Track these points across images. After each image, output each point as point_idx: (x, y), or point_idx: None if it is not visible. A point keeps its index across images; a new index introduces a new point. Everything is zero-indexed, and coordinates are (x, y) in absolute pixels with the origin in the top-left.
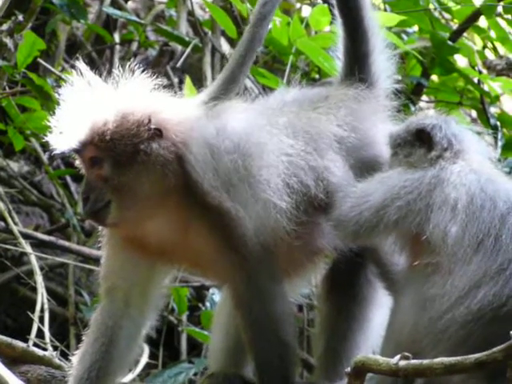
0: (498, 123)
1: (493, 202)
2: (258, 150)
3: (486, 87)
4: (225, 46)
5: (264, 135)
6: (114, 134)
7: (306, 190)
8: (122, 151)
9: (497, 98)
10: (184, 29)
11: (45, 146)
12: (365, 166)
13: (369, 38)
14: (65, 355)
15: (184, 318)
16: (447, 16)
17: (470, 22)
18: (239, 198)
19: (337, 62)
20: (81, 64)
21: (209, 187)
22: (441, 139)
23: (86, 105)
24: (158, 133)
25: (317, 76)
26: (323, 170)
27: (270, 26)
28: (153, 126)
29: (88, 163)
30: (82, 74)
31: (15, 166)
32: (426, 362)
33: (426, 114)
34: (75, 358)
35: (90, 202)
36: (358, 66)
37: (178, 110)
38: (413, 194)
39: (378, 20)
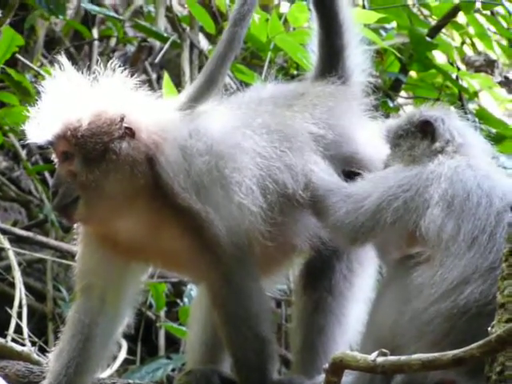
0: (477, 120)
1: (489, 199)
2: (231, 152)
3: (464, 83)
4: (203, 42)
5: (238, 137)
6: (85, 131)
7: (282, 189)
8: (92, 148)
9: (475, 94)
10: (162, 25)
11: (23, 142)
12: (342, 163)
13: (343, 32)
14: (43, 351)
15: (162, 313)
16: (426, 12)
17: (448, 18)
18: (210, 199)
19: (312, 56)
20: (61, 58)
21: (179, 189)
22: (444, 131)
23: (64, 99)
24: (130, 133)
25: (295, 72)
26: (301, 167)
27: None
28: (125, 125)
29: (60, 157)
30: (62, 68)
31: None
32: (403, 358)
33: (428, 107)
34: (53, 355)
35: (58, 196)
36: (332, 60)
37: (152, 111)
38: (411, 192)
39: (353, 14)
